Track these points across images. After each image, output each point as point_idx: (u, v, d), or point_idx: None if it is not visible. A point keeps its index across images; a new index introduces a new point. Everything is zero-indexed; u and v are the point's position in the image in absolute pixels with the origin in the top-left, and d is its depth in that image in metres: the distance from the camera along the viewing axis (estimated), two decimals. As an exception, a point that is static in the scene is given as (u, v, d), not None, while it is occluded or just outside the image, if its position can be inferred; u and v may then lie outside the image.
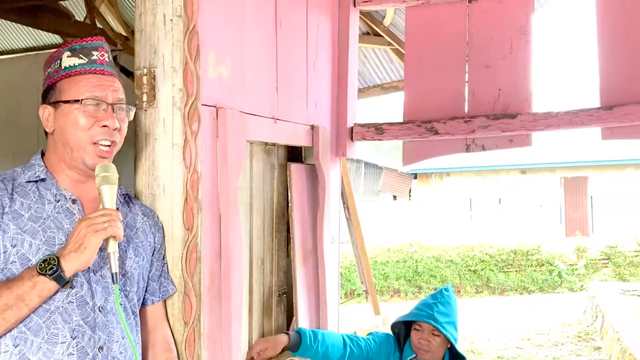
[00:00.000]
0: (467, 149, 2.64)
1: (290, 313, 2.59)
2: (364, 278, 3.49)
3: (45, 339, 1.33)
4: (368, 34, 6.74)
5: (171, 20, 1.66)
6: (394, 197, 19.79)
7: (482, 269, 13.59)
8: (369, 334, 2.36)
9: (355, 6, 2.77)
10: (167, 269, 1.67)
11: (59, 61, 1.46)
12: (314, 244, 2.57)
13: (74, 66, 1.44)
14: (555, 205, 16.76)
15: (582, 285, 12.79)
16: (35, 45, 7.12)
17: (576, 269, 13.29)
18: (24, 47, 7.30)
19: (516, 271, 13.50)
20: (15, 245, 1.33)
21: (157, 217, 1.66)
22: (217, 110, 1.82)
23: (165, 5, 1.67)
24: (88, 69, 1.44)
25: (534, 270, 13.38)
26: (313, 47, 2.52)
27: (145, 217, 1.61)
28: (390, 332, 2.34)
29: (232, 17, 1.94)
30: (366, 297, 3.47)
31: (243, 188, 2.25)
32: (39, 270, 1.27)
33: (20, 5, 3.04)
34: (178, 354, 1.68)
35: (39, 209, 1.40)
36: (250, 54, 2.03)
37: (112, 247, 1.36)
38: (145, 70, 1.68)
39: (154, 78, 1.68)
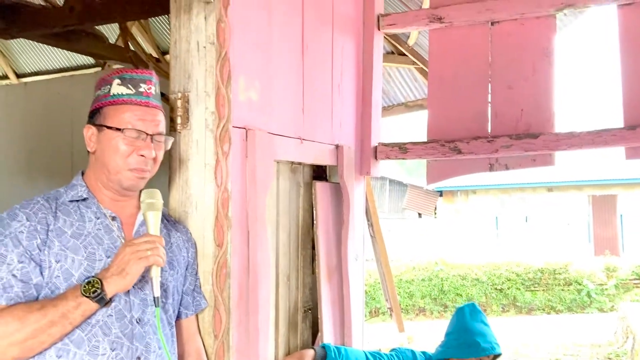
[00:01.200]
0: (491, 168, 2.68)
1: (315, 329, 2.64)
2: (388, 296, 3.52)
3: (87, 351, 1.40)
4: (392, 53, 6.82)
5: (204, 47, 1.75)
6: (419, 214, 19.70)
7: (508, 288, 13.42)
8: (392, 349, 2.38)
9: (379, 29, 2.85)
10: (200, 284, 1.74)
11: (109, 87, 1.54)
12: (339, 261, 2.62)
13: (121, 95, 1.53)
14: (583, 224, 16.50)
15: (612, 306, 12.53)
16: (69, 65, 7.36)
17: (606, 289, 13.03)
18: (59, 67, 7.56)
19: (543, 290, 13.30)
20: (59, 261, 1.42)
21: (190, 233, 1.75)
22: (246, 132, 1.90)
23: (198, 33, 1.76)
24: (134, 100, 1.53)
25: (562, 290, 13.16)
26: (338, 69, 2.60)
27: (179, 233, 1.69)
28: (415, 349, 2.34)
29: (261, 43, 2.03)
30: (390, 315, 3.50)
31: (270, 206, 2.32)
32: (83, 292, 1.35)
33: (56, 32, 3.19)
34: (208, 366, 1.74)
35: (80, 226, 1.48)
36: (277, 78, 2.12)
37: (155, 273, 1.44)
38: (179, 95, 1.77)
39: (188, 102, 1.77)
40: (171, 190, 1.79)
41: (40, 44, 5.19)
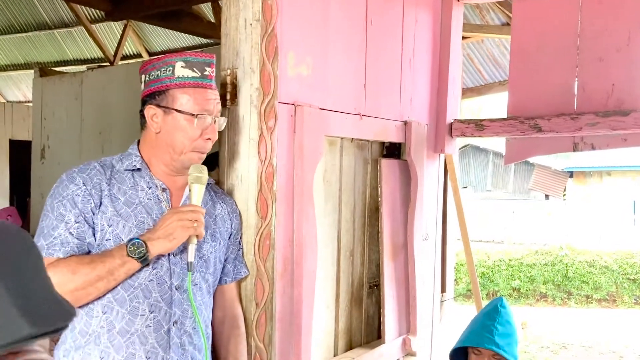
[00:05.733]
0: (575, 147, 2.48)
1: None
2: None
3: (128, 310, 1.51)
4: (507, 24, 6.45)
5: (251, 24, 1.80)
6: (546, 196, 18.61)
7: (643, 279, 12.33)
8: None
9: (458, 0, 2.72)
10: (242, 253, 1.82)
11: (171, 68, 1.57)
12: (405, 239, 2.59)
13: (188, 78, 1.57)
14: None
15: None
16: (195, 44, 7.81)
17: None
18: (186, 46, 8.04)
19: (685, 283, 12.06)
20: (111, 225, 1.52)
21: (235, 204, 1.82)
22: (295, 108, 1.93)
23: (246, 11, 1.81)
24: (200, 83, 1.58)
25: None
26: (410, 43, 2.53)
27: (224, 205, 1.76)
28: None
29: (316, 19, 2.03)
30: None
31: (332, 182, 2.35)
32: (129, 253, 1.46)
33: (161, 11, 3.41)
34: (249, 332, 1.82)
35: (132, 194, 1.57)
36: (334, 53, 2.11)
37: (192, 241, 1.53)
38: (228, 72, 1.84)
39: (236, 78, 1.83)
40: (220, 163, 1.88)
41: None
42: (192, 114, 1.56)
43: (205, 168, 1.60)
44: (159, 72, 1.59)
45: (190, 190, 1.58)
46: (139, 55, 8.52)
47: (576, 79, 2.49)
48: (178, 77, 1.57)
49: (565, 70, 2.50)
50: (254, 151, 1.80)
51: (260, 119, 1.80)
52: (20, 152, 7.47)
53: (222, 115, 1.72)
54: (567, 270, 13.19)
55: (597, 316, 10.95)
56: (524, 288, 13.30)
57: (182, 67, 1.57)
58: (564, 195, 17.84)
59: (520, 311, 10.78)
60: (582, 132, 2.39)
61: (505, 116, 2.65)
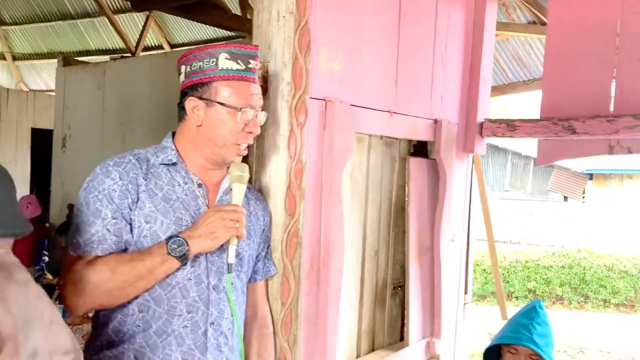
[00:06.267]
0: (610, 150, 2.41)
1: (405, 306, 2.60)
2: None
3: (166, 310, 1.46)
4: (534, 23, 6.34)
5: (284, 17, 1.75)
6: (565, 197, 18.38)
7: (665, 285, 12.13)
8: None
9: (493, -4, 2.65)
10: (270, 251, 1.78)
11: (215, 59, 1.51)
12: (432, 240, 2.53)
13: (232, 70, 1.51)
14: None
15: None
16: (216, 37, 7.79)
17: None
18: (207, 38, 8.03)
19: None
20: (148, 222, 1.46)
21: (266, 202, 1.78)
22: (325, 103, 1.88)
23: (279, 3, 1.76)
24: (244, 76, 1.52)
25: None
26: (442, 40, 2.47)
27: (257, 202, 1.72)
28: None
29: (350, 13, 1.98)
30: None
31: (359, 180, 2.30)
32: (169, 251, 1.40)
33: (185, 3, 3.38)
34: (275, 332, 1.78)
35: (170, 190, 1.51)
36: (366, 48, 2.06)
37: (232, 242, 1.49)
38: (260, 65, 1.79)
39: (267, 72, 1.79)
40: (249, 159, 1.84)
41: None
42: (236, 108, 1.51)
43: (246, 167, 1.56)
44: (201, 63, 1.52)
45: (231, 189, 1.53)
46: (160, 47, 8.53)
47: (614, 80, 2.41)
48: (222, 69, 1.51)
49: (603, 70, 2.43)
50: (284, 147, 1.76)
51: (291, 114, 1.76)
52: (41, 140, 7.51)
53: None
54: (584, 273, 13.01)
55: (614, 321, 10.80)
56: (540, 290, 13.15)
57: (226, 58, 1.51)
58: (583, 197, 17.60)
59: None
60: (619, 135, 2.32)
61: (535, 117, 2.58)
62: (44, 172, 6.61)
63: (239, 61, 1.52)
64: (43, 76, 10.28)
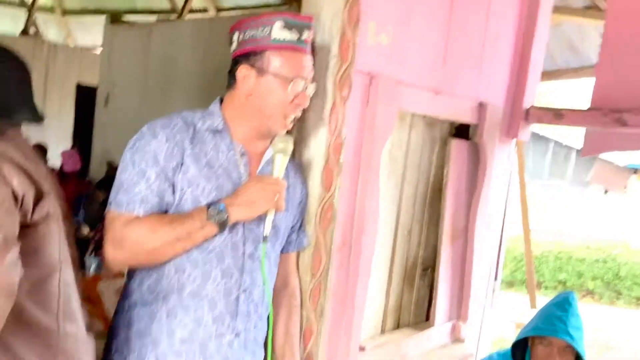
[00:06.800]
0: (661, 146, 2.33)
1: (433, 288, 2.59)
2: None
3: (201, 274, 1.49)
4: (590, 8, 6.10)
5: (334, -12, 1.72)
6: (606, 191, 17.93)
7: (703, 285, 11.77)
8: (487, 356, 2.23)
9: (551, -23, 2.55)
10: (305, 223, 1.79)
11: (269, 28, 1.49)
12: (466, 223, 2.50)
13: (286, 40, 1.50)
14: None
15: None
16: (264, 3, 7.74)
17: None
18: (254, 4, 7.99)
19: None
20: (190, 187, 1.47)
21: (304, 174, 1.78)
22: (370, 78, 1.86)
23: (330, -26, 1.73)
24: (298, 47, 1.51)
25: None
26: (495, 21, 2.40)
27: (297, 174, 1.72)
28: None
29: (402, -14, 1.94)
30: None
31: (398, 158, 2.28)
32: (209, 216, 1.43)
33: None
34: (302, 303, 1.80)
35: (213, 156, 1.52)
36: (416, 24, 2.02)
37: (270, 214, 1.50)
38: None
39: (314, 43, 1.76)
40: (291, 130, 1.83)
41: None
42: (287, 78, 1.50)
43: (291, 139, 1.56)
44: (255, 31, 1.51)
45: (273, 161, 1.54)
46: (206, 10, 8.52)
47: (672, 73, 2.31)
48: (275, 39, 1.49)
49: (661, 62, 2.33)
50: (325, 121, 1.75)
51: (335, 88, 1.74)
52: (86, 97, 7.66)
53: None
54: (619, 269, 12.74)
55: (647, 320, 10.57)
56: (570, 282, 12.92)
57: (280, 28, 1.49)
58: (625, 191, 17.14)
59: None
60: (672, 130, 2.23)
61: (581, 104, 2.50)
62: (87, 128, 6.77)
63: (293, 30, 1.50)
64: (91, 32, 10.41)
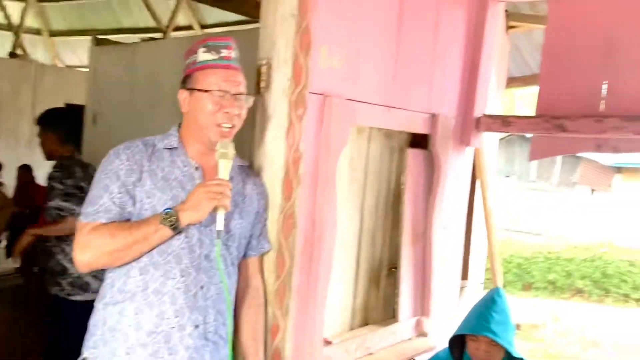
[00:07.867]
0: (598, 148, 2.54)
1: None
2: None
3: (162, 274, 1.70)
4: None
5: (287, 19, 1.93)
6: (592, 190, 18.21)
7: (689, 282, 11.99)
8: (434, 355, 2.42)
9: (496, -2, 2.77)
10: (266, 229, 1.99)
11: (195, 55, 1.76)
12: (425, 228, 2.71)
13: (207, 61, 1.75)
14: None
15: None
16: (247, 18, 7.94)
17: None
18: (239, 20, 8.18)
19: None
20: (149, 197, 1.71)
21: (264, 186, 1.98)
22: (324, 98, 2.06)
23: (284, 6, 1.94)
24: (217, 64, 1.76)
25: None
26: (443, 37, 2.61)
27: (255, 186, 1.92)
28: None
29: (351, 12, 2.14)
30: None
31: (358, 168, 2.49)
32: (162, 221, 1.65)
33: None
34: (269, 301, 1.99)
35: (169, 171, 1.76)
36: (366, 46, 2.23)
37: (220, 211, 1.70)
38: (264, 62, 1.98)
39: (271, 68, 1.97)
40: (253, 147, 2.04)
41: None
42: (207, 90, 1.73)
43: (231, 144, 1.75)
44: (189, 60, 1.80)
45: (217, 165, 1.73)
46: (191, 27, 8.74)
47: (606, 83, 2.53)
48: (199, 61, 1.76)
49: (596, 73, 2.55)
50: (283, 137, 1.95)
51: (290, 107, 1.94)
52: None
53: (256, 101, 1.87)
54: (606, 267, 12.95)
55: (634, 316, 10.75)
56: (560, 282, 13.15)
57: (203, 52, 1.76)
58: (610, 190, 17.41)
59: (553, 305, 10.71)
60: (606, 134, 2.45)
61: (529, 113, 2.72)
62: (76, 146, 6.92)
63: (212, 52, 1.76)
64: (77, 52, 10.61)
